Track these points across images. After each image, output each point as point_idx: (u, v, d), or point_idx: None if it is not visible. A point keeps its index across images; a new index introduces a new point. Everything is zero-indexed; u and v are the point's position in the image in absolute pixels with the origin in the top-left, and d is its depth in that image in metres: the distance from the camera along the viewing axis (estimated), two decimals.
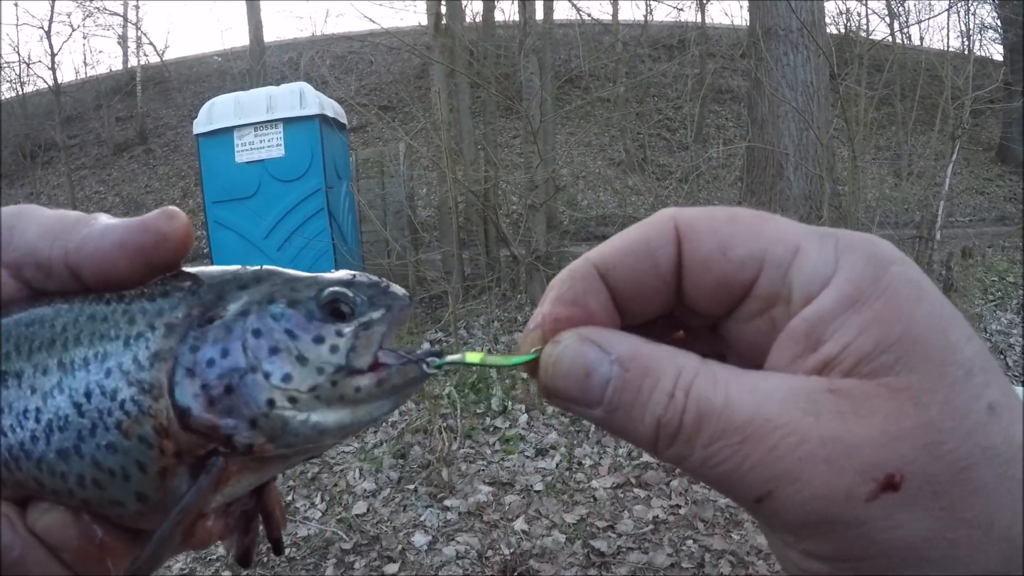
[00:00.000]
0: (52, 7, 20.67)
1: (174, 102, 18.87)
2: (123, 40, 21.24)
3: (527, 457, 3.68)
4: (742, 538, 2.92)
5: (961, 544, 0.25)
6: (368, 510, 3.33)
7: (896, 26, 13.84)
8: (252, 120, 6.23)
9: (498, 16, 10.07)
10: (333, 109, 6.70)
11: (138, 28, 21.15)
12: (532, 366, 0.32)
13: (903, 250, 0.29)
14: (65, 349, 0.35)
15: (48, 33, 16.61)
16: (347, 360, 0.35)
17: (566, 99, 12.90)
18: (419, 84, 13.85)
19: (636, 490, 3.34)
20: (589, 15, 11.47)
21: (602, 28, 14.01)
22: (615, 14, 16.29)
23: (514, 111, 8.18)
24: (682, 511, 3.15)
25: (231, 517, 0.38)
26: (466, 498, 3.31)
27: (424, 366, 0.36)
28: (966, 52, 15.37)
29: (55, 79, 16.31)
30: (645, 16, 17.23)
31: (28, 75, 18.61)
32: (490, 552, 2.94)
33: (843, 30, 12.19)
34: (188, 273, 0.37)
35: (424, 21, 8.52)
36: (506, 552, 2.91)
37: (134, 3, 26.96)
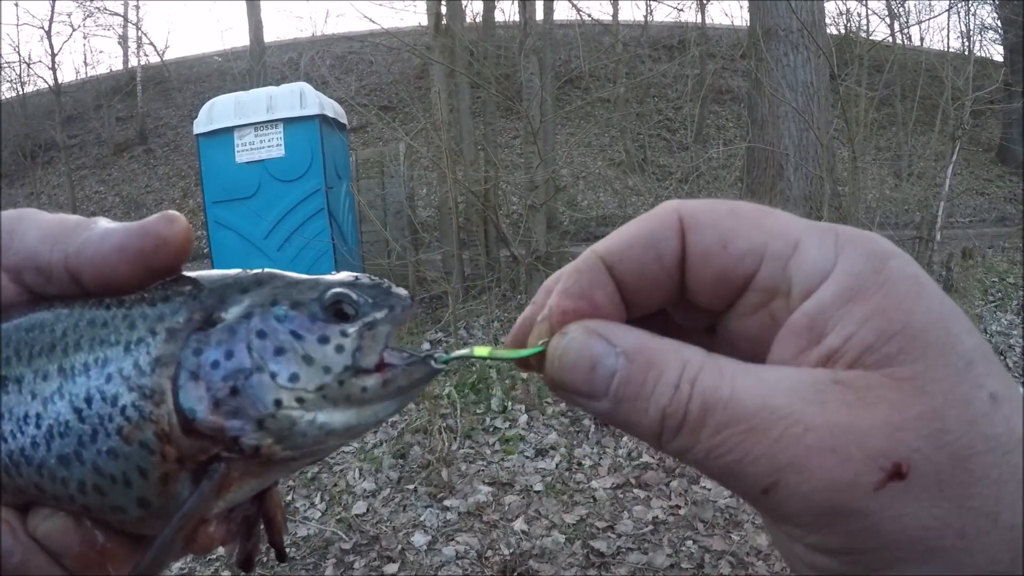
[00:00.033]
0: (52, 7, 20.65)
1: (174, 102, 18.88)
2: (123, 40, 21.28)
3: (527, 457, 3.67)
4: (742, 539, 2.92)
5: (968, 535, 0.25)
6: (368, 510, 3.33)
7: (896, 27, 13.87)
8: (252, 120, 6.23)
9: (498, 16, 10.08)
10: (333, 109, 6.70)
11: (138, 28, 21.20)
12: (539, 359, 0.32)
13: (903, 251, 0.29)
14: (65, 354, 0.35)
15: (48, 33, 16.64)
16: (353, 360, 0.35)
17: (566, 99, 12.90)
18: (419, 84, 13.85)
19: (636, 491, 3.34)
20: (589, 15, 11.47)
21: (602, 28, 14.02)
22: (615, 14, 16.31)
23: (514, 111, 8.19)
24: (682, 512, 3.14)
25: (233, 523, 0.38)
26: (466, 498, 3.31)
27: (432, 362, 0.36)
28: (966, 53, 15.38)
29: (55, 79, 16.33)
30: (645, 16, 17.24)
31: (28, 75, 18.64)
32: (490, 552, 2.94)
33: (843, 31, 12.21)
34: (189, 277, 0.37)
35: (424, 21, 8.53)
36: (506, 552, 2.91)
37: (134, 3, 27.00)
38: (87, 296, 0.36)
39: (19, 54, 22.33)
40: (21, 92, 17.69)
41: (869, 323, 0.27)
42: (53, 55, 16.36)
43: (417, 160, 8.27)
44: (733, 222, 0.30)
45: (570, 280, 0.32)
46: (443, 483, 3.41)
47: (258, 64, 15.99)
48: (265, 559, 2.92)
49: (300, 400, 0.34)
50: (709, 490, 3.27)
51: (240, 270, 0.38)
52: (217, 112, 6.36)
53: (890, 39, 12.42)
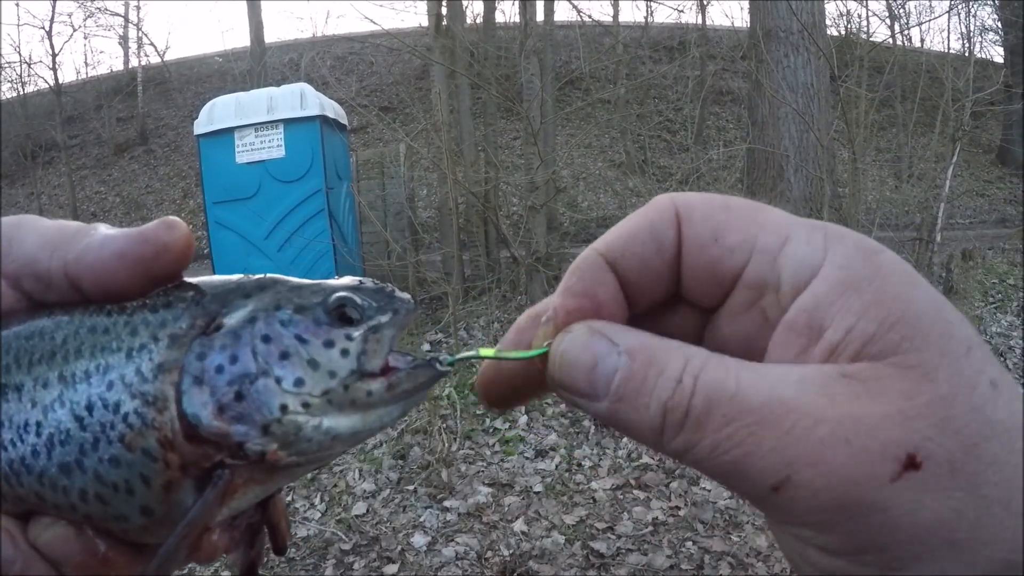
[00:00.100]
0: (53, 7, 20.66)
1: (175, 102, 18.89)
2: (124, 40, 21.29)
3: (527, 458, 3.67)
4: (741, 540, 2.91)
5: (984, 524, 0.25)
6: (368, 511, 3.33)
7: (897, 28, 13.84)
8: (253, 121, 6.23)
9: (499, 17, 10.08)
10: (334, 110, 6.70)
11: (139, 28, 21.20)
12: (545, 360, 0.32)
13: (903, 252, 0.29)
14: (66, 362, 0.35)
15: (49, 33, 16.64)
16: (358, 364, 0.35)
17: (567, 100, 12.91)
18: (420, 85, 13.86)
19: (635, 491, 3.34)
20: (590, 16, 11.46)
21: (603, 30, 14.02)
22: (616, 16, 16.32)
23: (515, 112, 8.19)
24: (681, 513, 3.14)
25: (237, 530, 0.38)
26: (466, 499, 3.31)
27: (437, 365, 0.36)
28: (967, 54, 15.39)
29: (56, 79, 16.33)
30: (646, 18, 17.27)
31: (29, 75, 18.60)
32: (489, 553, 2.94)
33: (844, 32, 12.21)
34: (190, 283, 0.37)
35: (425, 22, 8.53)
36: (505, 553, 2.91)
37: (135, 3, 26.99)
38: (87, 303, 0.36)
39: (20, 54, 22.36)
40: (22, 92, 17.70)
41: (868, 313, 0.27)
42: (54, 55, 16.36)
43: (417, 161, 8.28)
44: (726, 216, 0.30)
45: (572, 279, 0.32)
46: (443, 484, 3.41)
47: (259, 65, 15.99)
48: (265, 559, 2.92)
49: (306, 405, 0.33)
50: (709, 491, 3.27)
51: (242, 275, 0.38)
52: (218, 113, 6.37)
53: (890, 40, 12.42)
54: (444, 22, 6.96)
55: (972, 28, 17.44)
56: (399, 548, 3.02)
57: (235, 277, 0.37)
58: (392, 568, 2.91)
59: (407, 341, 5.14)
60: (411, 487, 3.45)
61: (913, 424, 0.25)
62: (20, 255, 0.35)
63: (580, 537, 3.01)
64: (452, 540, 3.03)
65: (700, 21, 16.22)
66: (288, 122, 6.21)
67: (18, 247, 0.36)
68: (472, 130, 7.50)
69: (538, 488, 3.38)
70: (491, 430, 3.96)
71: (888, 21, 15.43)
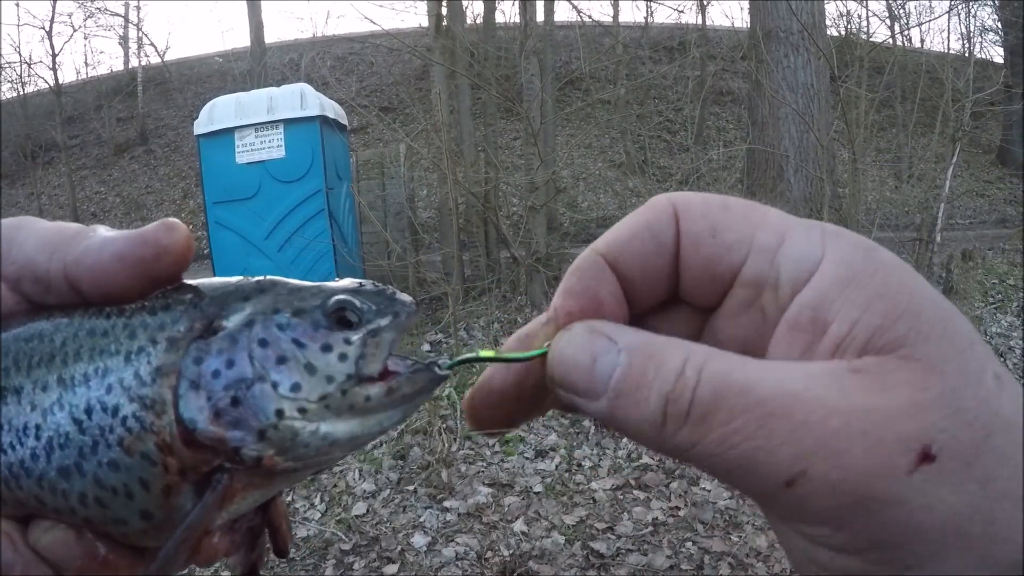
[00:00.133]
0: (53, 7, 20.68)
1: (175, 103, 18.89)
2: (124, 41, 21.30)
3: (527, 459, 3.67)
4: (741, 540, 2.91)
5: (998, 519, 0.24)
6: (367, 511, 3.32)
7: (897, 28, 13.85)
8: (253, 121, 6.23)
9: (499, 18, 10.07)
10: (334, 110, 6.71)
11: (139, 29, 21.21)
12: (545, 361, 0.32)
13: (903, 252, 0.29)
14: (65, 365, 0.35)
15: (49, 33, 16.65)
16: (356, 368, 0.34)
17: (567, 101, 12.92)
18: (420, 85, 13.86)
19: (635, 492, 3.34)
20: (590, 17, 11.47)
21: (603, 30, 14.02)
22: (616, 16, 16.32)
23: (515, 113, 8.19)
24: (681, 513, 3.14)
25: (237, 533, 0.38)
26: (466, 499, 3.31)
27: (436, 369, 0.36)
28: (967, 54, 15.40)
29: (56, 79, 16.33)
30: (646, 18, 17.27)
31: (29, 75, 18.58)
32: (489, 553, 2.94)
33: (844, 32, 12.22)
34: (189, 285, 0.36)
35: (425, 22, 8.53)
36: (505, 553, 2.91)
37: (135, 4, 27.00)
38: (87, 305, 0.36)
39: (20, 54, 22.37)
40: (22, 92, 17.70)
41: (872, 306, 0.26)
42: (54, 55, 16.36)
43: (417, 161, 8.28)
44: (723, 213, 0.30)
45: (572, 279, 0.32)
46: (443, 484, 3.41)
47: (259, 65, 16.00)
48: (266, 560, 2.92)
49: (302, 410, 0.33)
50: (708, 491, 3.27)
51: (242, 277, 0.37)
52: (218, 113, 6.37)
53: (890, 41, 12.43)
54: (444, 22, 6.96)
55: (972, 28, 17.45)
56: (399, 548, 3.02)
57: (234, 279, 0.37)
58: (392, 568, 2.91)
59: (407, 342, 5.14)
60: (411, 487, 3.45)
61: (926, 416, 0.24)
62: (20, 257, 0.35)
63: (580, 537, 3.01)
64: (452, 540, 3.03)
65: (700, 21, 16.24)
66: (288, 122, 6.21)
67: (18, 249, 0.35)
68: (472, 130, 7.50)
69: (538, 488, 3.38)
70: None
71: (888, 21, 15.45)
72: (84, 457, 0.34)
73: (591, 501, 3.28)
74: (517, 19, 8.49)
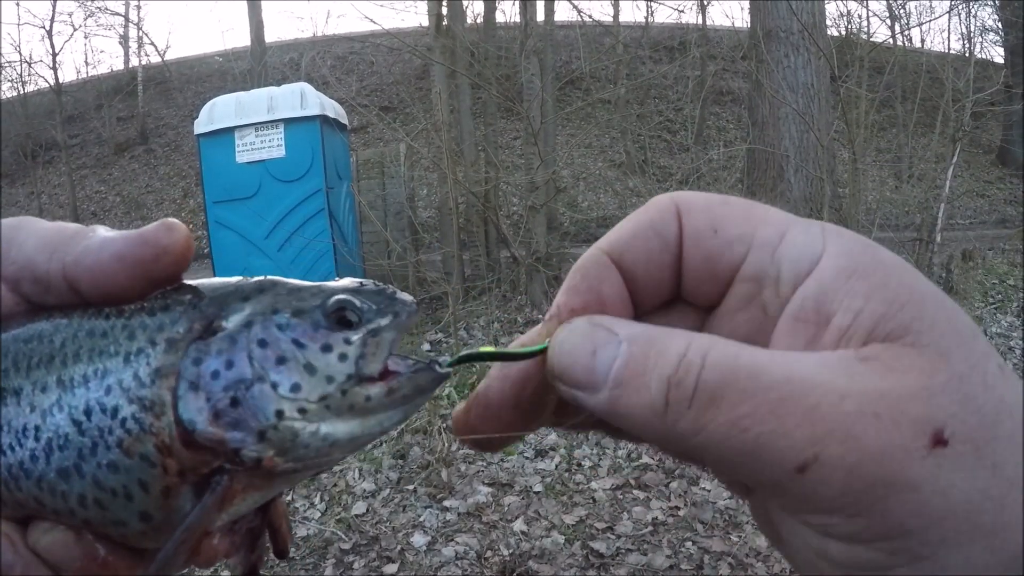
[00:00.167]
0: (54, 7, 20.71)
1: (175, 102, 18.89)
2: (124, 40, 21.30)
3: (526, 458, 3.67)
4: (741, 540, 2.91)
5: (1008, 506, 0.24)
6: (367, 510, 3.33)
7: (897, 28, 13.86)
8: (253, 120, 6.23)
9: (499, 17, 10.08)
10: (334, 110, 6.71)
11: (139, 28, 21.22)
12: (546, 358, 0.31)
13: (903, 252, 0.29)
14: (64, 366, 0.34)
15: (49, 33, 16.68)
16: (357, 368, 0.34)
17: (567, 100, 12.92)
18: (420, 85, 13.86)
19: (635, 491, 3.34)
20: (590, 16, 11.46)
21: (603, 30, 14.02)
22: (616, 16, 16.33)
23: (515, 112, 8.19)
24: (681, 513, 3.14)
25: (237, 534, 0.37)
26: (465, 499, 3.31)
27: (437, 367, 0.35)
28: (967, 54, 15.39)
29: (56, 79, 16.34)
30: (646, 18, 17.27)
31: (29, 74, 18.62)
32: (489, 553, 2.94)
33: (844, 32, 12.22)
34: (189, 286, 0.36)
35: (425, 22, 8.53)
36: (505, 553, 2.91)
37: (135, 3, 27.02)
38: (86, 306, 0.36)
39: (20, 53, 22.33)
40: (22, 92, 17.72)
41: (876, 296, 0.26)
42: (54, 55, 16.39)
43: (418, 161, 8.28)
44: (725, 211, 0.31)
45: (576, 277, 0.32)
46: (443, 484, 3.41)
47: (259, 64, 16.00)
48: (266, 559, 2.92)
49: (302, 411, 0.33)
50: (708, 491, 3.27)
51: (241, 277, 0.37)
52: (218, 112, 6.37)
53: (891, 41, 12.44)
54: (444, 22, 6.96)
55: (972, 28, 17.45)
56: (399, 548, 3.02)
57: (234, 279, 0.37)
58: (392, 568, 2.91)
59: (407, 342, 5.14)
60: (411, 487, 3.45)
61: (937, 400, 0.24)
62: (19, 258, 0.35)
63: (580, 537, 3.01)
64: (452, 540, 3.03)
65: (700, 21, 16.23)
66: (288, 122, 6.22)
67: (17, 250, 0.35)
68: (472, 130, 7.50)
69: (538, 488, 3.38)
70: None
71: (888, 21, 15.45)
72: (83, 459, 0.33)
73: (591, 501, 3.28)
74: (517, 19, 8.50)
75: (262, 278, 0.37)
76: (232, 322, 0.35)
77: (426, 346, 5.26)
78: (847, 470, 0.24)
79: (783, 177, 7.09)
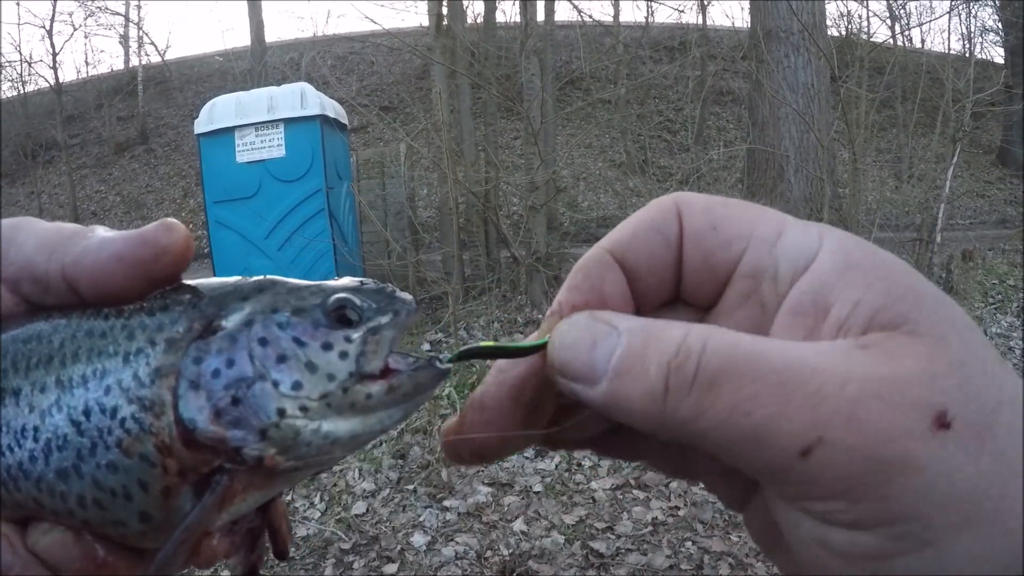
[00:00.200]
0: (54, 6, 20.74)
1: (175, 102, 18.90)
2: (124, 40, 21.31)
3: (526, 458, 3.67)
4: (741, 540, 2.91)
5: (1009, 494, 0.24)
6: (367, 510, 3.33)
7: (897, 28, 13.87)
8: (253, 120, 6.23)
9: (499, 17, 10.07)
10: (334, 109, 6.71)
11: (140, 28, 21.22)
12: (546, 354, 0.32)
13: (903, 252, 0.29)
14: (63, 366, 0.34)
15: (50, 32, 16.69)
16: (357, 366, 0.34)
17: (567, 100, 12.92)
18: (420, 85, 13.86)
19: (635, 491, 3.34)
20: (590, 16, 11.46)
21: (603, 30, 14.02)
22: (616, 15, 16.33)
23: (515, 112, 8.19)
24: (681, 513, 3.14)
25: (237, 535, 0.37)
26: (465, 499, 3.31)
27: (437, 363, 0.35)
28: (967, 55, 15.38)
29: (56, 78, 16.34)
30: (646, 18, 17.27)
31: (29, 74, 18.63)
32: (489, 553, 2.94)
33: (844, 32, 12.22)
34: (188, 286, 0.36)
35: (425, 22, 8.53)
36: (505, 553, 2.91)
37: (136, 3, 27.00)
38: (85, 306, 0.36)
39: (20, 53, 22.31)
40: (22, 91, 17.72)
41: (874, 286, 0.27)
42: (54, 54, 16.40)
43: (418, 161, 8.28)
44: (724, 210, 0.31)
45: (578, 276, 0.32)
46: (443, 483, 3.41)
47: (259, 64, 16.00)
48: (265, 559, 2.92)
49: (303, 409, 0.33)
50: (708, 491, 3.27)
51: (240, 277, 0.37)
52: (218, 112, 6.37)
53: (891, 41, 12.44)
54: (444, 22, 6.96)
55: (973, 29, 17.44)
56: (399, 547, 3.02)
57: (233, 279, 0.37)
58: (392, 567, 2.91)
59: (407, 341, 5.14)
60: (411, 487, 3.45)
61: (939, 384, 0.24)
62: (18, 258, 0.35)
63: (580, 537, 3.01)
64: (452, 540, 3.03)
65: (700, 21, 16.23)
66: (288, 121, 6.22)
67: (16, 250, 0.35)
68: (472, 130, 7.50)
69: (538, 488, 3.38)
70: None
71: (888, 22, 15.46)
72: (82, 459, 0.33)
73: (591, 501, 3.28)
74: (517, 19, 8.49)
75: (261, 278, 0.37)
76: (232, 321, 0.35)
77: (426, 346, 5.26)
78: (851, 452, 0.24)
79: (783, 177, 7.09)
